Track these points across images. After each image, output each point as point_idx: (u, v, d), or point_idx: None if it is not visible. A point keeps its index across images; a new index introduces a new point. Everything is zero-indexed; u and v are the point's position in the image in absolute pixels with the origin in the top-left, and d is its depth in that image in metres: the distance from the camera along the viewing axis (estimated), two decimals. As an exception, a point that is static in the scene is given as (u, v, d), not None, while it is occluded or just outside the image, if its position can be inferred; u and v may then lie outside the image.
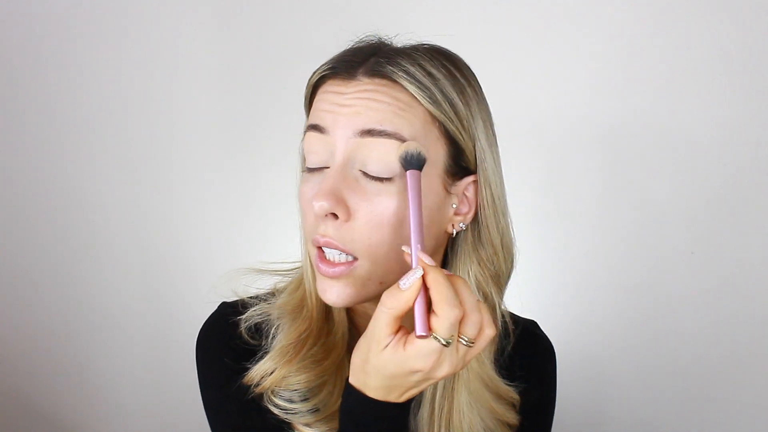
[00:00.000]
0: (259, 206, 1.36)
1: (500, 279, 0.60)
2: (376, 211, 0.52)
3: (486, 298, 0.60)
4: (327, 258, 0.53)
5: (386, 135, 0.52)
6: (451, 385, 0.59)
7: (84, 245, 1.58)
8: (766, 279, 1.03)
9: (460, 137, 0.56)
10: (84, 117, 1.52)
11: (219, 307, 0.65)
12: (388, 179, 0.52)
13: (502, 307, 0.63)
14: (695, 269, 1.07)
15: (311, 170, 0.55)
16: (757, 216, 1.02)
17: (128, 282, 1.55)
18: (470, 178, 0.57)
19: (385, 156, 0.51)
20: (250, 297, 0.64)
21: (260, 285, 0.65)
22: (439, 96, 0.54)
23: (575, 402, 1.16)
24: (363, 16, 1.22)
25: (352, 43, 0.60)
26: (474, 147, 0.56)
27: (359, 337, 0.51)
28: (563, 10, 1.10)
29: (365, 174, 0.52)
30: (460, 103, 0.55)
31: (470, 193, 0.58)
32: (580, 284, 1.15)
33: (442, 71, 0.55)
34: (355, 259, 0.53)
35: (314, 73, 0.57)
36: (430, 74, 0.54)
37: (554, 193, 1.15)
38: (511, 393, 0.62)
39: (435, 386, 0.59)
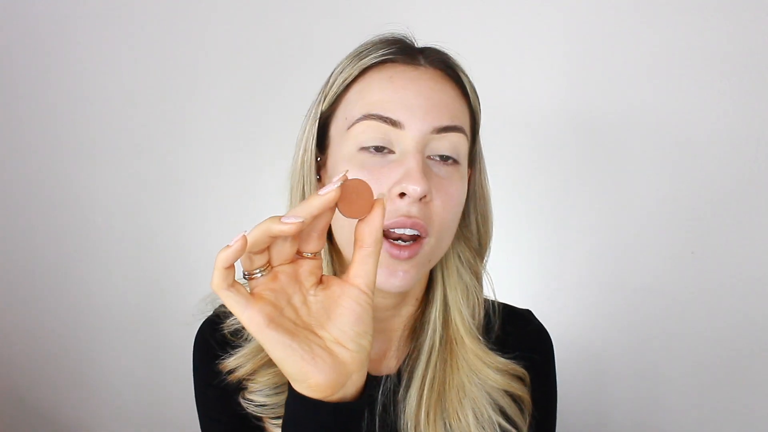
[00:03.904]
0: (261, 207, 1.36)
1: (481, 254, 0.68)
2: (449, 192, 0.57)
3: (474, 271, 0.66)
4: (396, 242, 0.55)
5: (456, 129, 0.57)
6: (447, 362, 0.63)
7: (84, 245, 1.58)
8: (766, 279, 1.03)
9: (477, 130, 0.63)
10: (83, 117, 1.52)
11: (204, 321, 0.71)
12: (456, 163, 0.58)
13: (495, 299, 0.70)
14: (695, 269, 1.07)
15: (374, 152, 0.56)
16: (757, 216, 1.02)
17: (128, 282, 1.55)
18: (469, 168, 0.64)
19: (454, 145, 0.57)
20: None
21: None
22: (476, 92, 0.61)
23: (575, 401, 1.16)
24: (361, 17, 1.22)
25: (374, 36, 0.61)
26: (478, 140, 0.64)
27: None
28: (560, 7, 1.09)
29: (436, 160, 0.57)
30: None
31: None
32: (580, 284, 1.15)
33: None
34: (424, 237, 0.56)
35: (366, 55, 0.58)
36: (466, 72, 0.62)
37: (554, 193, 1.15)
38: (511, 365, 0.64)
39: (427, 364, 0.63)
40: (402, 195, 0.54)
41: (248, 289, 0.42)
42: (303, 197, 0.61)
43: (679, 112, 1.04)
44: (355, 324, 0.43)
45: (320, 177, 0.62)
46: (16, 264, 1.67)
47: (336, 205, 0.42)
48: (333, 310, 0.44)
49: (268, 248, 0.42)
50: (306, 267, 0.44)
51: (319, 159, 0.62)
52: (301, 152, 0.61)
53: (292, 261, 0.44)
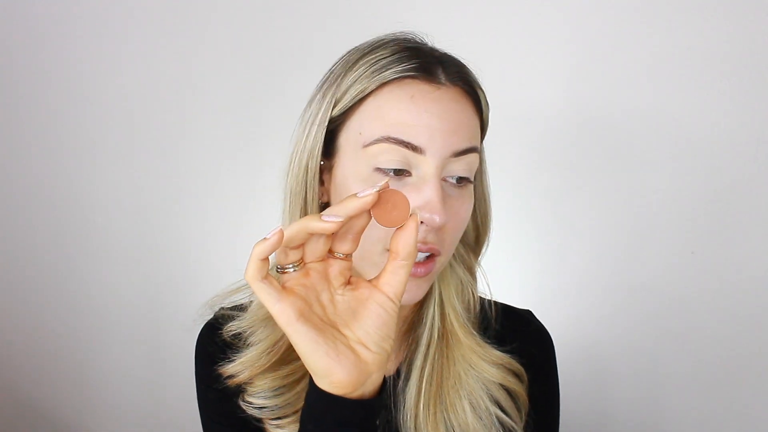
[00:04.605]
0: (261, 207, 1.36)
1: (477, 251, 0.69)
2: (460, 214, 0.57)
3: (468, 266, 0.67)
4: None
5: (473, 150, 0.57)
6: (444, 355, 0.63)
7: (84, 245, 1.58)
8: (766, 279, 1.03)
9: (483, 140, 0.62)
10: (83, 117, 1.52)
11: (204, 325, 0.71)
12: (468, 183, 0.58)
13: (494, 299, 0.71)
14: (695, 269, 1.07)
15: (392, 176, 0.55)
16: (757, 216, 1.02)
17: (128, 282, 1.55)
18: None
19: (470, 165, 0.57)
20: (229, 309, 0.69)
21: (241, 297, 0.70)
22: (488, 105, 0.61)
23: (575, 401, 1.16)
24: (361, 17, 1.22)
25: (386, 36, 0.60)
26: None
27: None
28: (559, 7, 1.10)
29: (451, 182, 0.57)
30: None
31: None
32: (580, 284, 1.15)
33: None
34: (437, 256, 0.57)
35: (384, 68, 0.55)
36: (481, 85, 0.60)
37: (554, 193, 1.15)
38: (507, 359, 0.64)
39: (425, 358, 0.63)
40: (419, 223, 0.54)
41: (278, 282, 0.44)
42: (305, 203, 0.60)
43: (679, 112, 1.04)
44: (379, 328, 0.45)
45: (323, 182, 0.60)
46: (16, 264, 1.67)
47: (371, 211, 0.44)
48: (359, 311, 0.45)
49: (302, 244, 0.43)
50: (336, 267, 0.46)
51: (322, 163, 0.60)
52: (305, 158, 0.59)
53: (323, 260, 0.45)
